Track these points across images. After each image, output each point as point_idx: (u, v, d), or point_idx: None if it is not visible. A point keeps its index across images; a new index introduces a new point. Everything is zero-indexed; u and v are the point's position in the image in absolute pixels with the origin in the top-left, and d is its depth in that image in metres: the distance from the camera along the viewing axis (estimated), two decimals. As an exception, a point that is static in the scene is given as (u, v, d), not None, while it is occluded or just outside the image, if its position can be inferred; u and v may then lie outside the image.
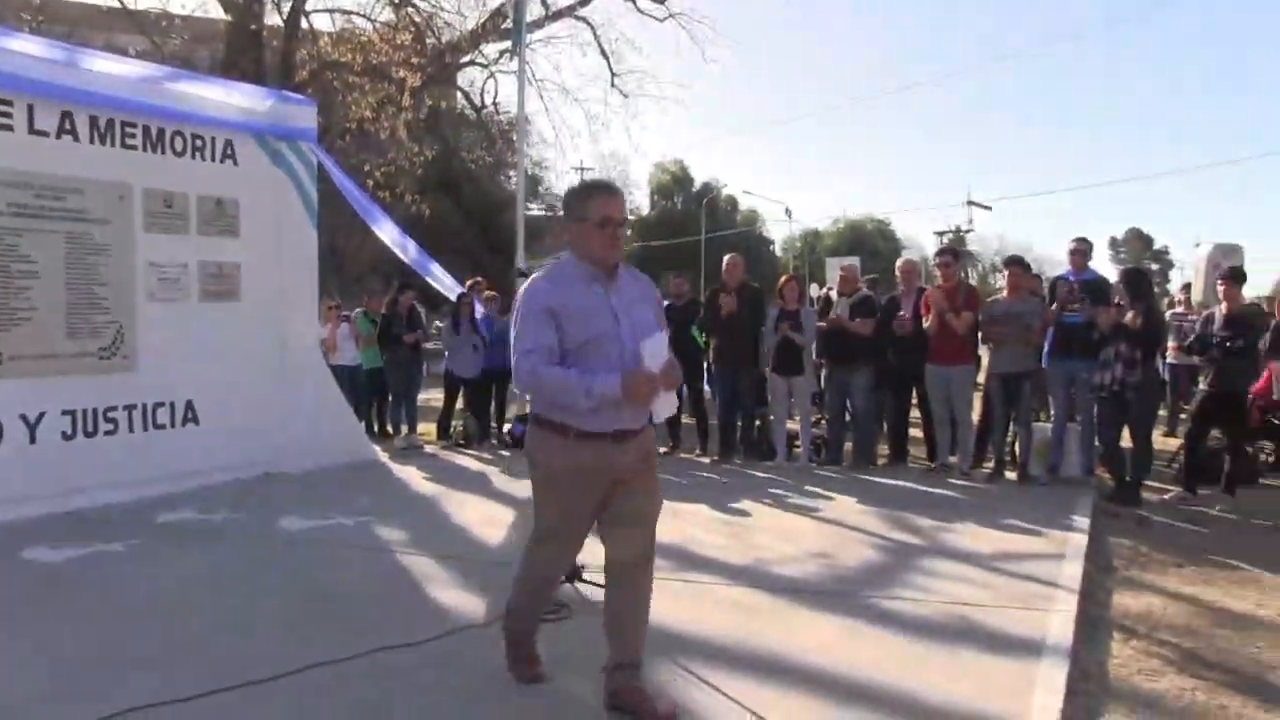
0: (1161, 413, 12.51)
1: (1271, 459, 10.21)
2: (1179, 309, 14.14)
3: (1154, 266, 70.28)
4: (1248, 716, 4.26)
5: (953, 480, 9.50)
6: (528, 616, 4.28)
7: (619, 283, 3.92)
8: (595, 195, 3.91)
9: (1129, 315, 8.67)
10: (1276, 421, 9.31)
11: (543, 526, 4.06)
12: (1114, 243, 76.29)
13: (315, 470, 9.82)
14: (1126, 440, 9.05)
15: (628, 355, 3.76)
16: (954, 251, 11.19)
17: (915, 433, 11.03)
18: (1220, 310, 8.99)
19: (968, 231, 58.87)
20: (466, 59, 23.67)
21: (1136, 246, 74.93)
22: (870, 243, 58.29)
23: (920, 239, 65.10)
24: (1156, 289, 43.13)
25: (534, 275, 3.97)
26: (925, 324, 9.73)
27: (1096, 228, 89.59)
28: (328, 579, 6.08)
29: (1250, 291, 13.06)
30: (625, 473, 3.91)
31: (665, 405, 3.93)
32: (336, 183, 11.26)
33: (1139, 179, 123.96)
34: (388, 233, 11.78)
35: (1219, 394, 8.76)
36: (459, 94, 27.66)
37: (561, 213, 4.11)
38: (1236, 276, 9.30)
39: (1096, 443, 9.29)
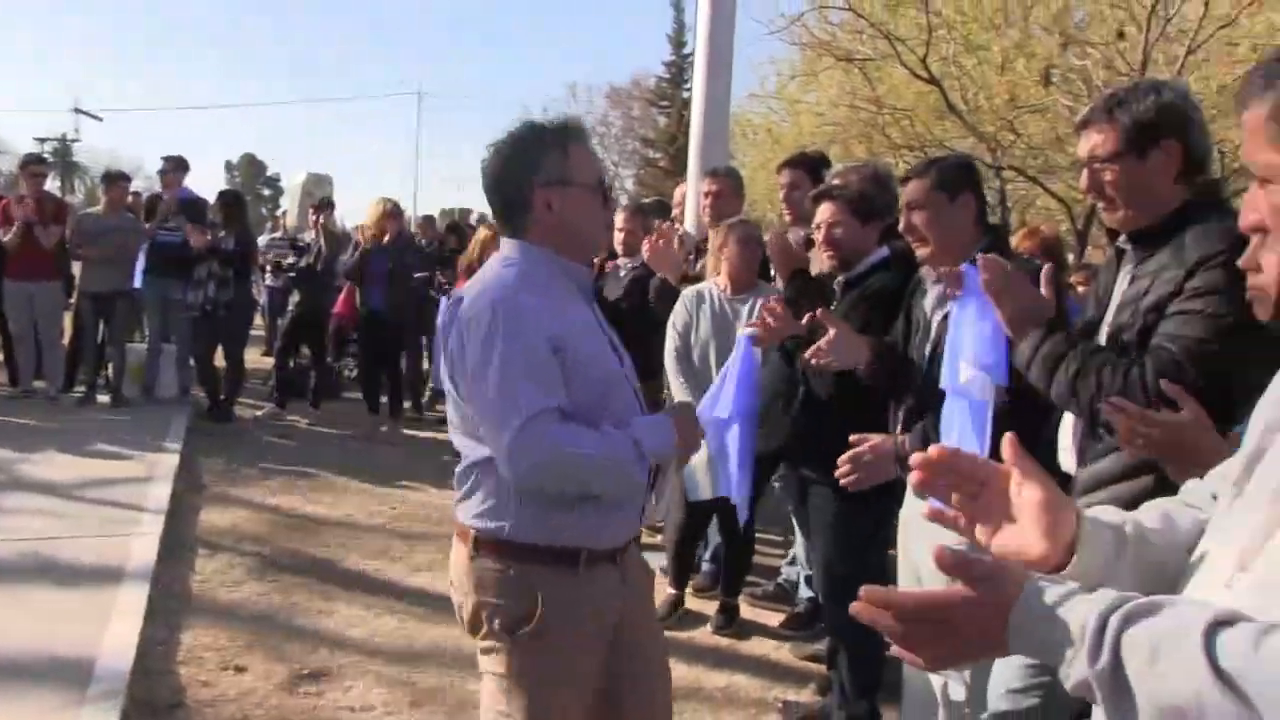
0: (261, 333, 13.01)
1: (354, 374, 11.16)
2: (276, 234, 14.72)
3: (266, 192, 72.25)
4: (314, 607, 4.70)
5: (39, 406, 8.78)
6: None
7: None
8: (576, 142, 2.36)
9: (220, 235, 8.78)
10: (354, 339, 10.14)
11: None
12: (229, 166, 76.84)
13: None
14: (221, 359, 9.21)
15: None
16: (40, 159, 10.27)
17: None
18: (310, 235, 9.55)
19: (74, 141, 55.01)
20: None
21: (250, 171, 76.27)
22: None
23: (20, 145, 58.92)
24: (265, 213, 44.40)
25: (495, 280, 2.28)
26: (5, 236, 8.80)
27: (216, 150, 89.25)
28: None
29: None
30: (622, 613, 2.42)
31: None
32: None
33: (259, 105, 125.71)
34: None
35: (306, 314, 9.32)
36: None
37: (505, 178, 2.31)
38: (326, 205, 9.96)
39: (192, 362, 9.29)
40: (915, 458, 1.35)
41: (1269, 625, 0.94)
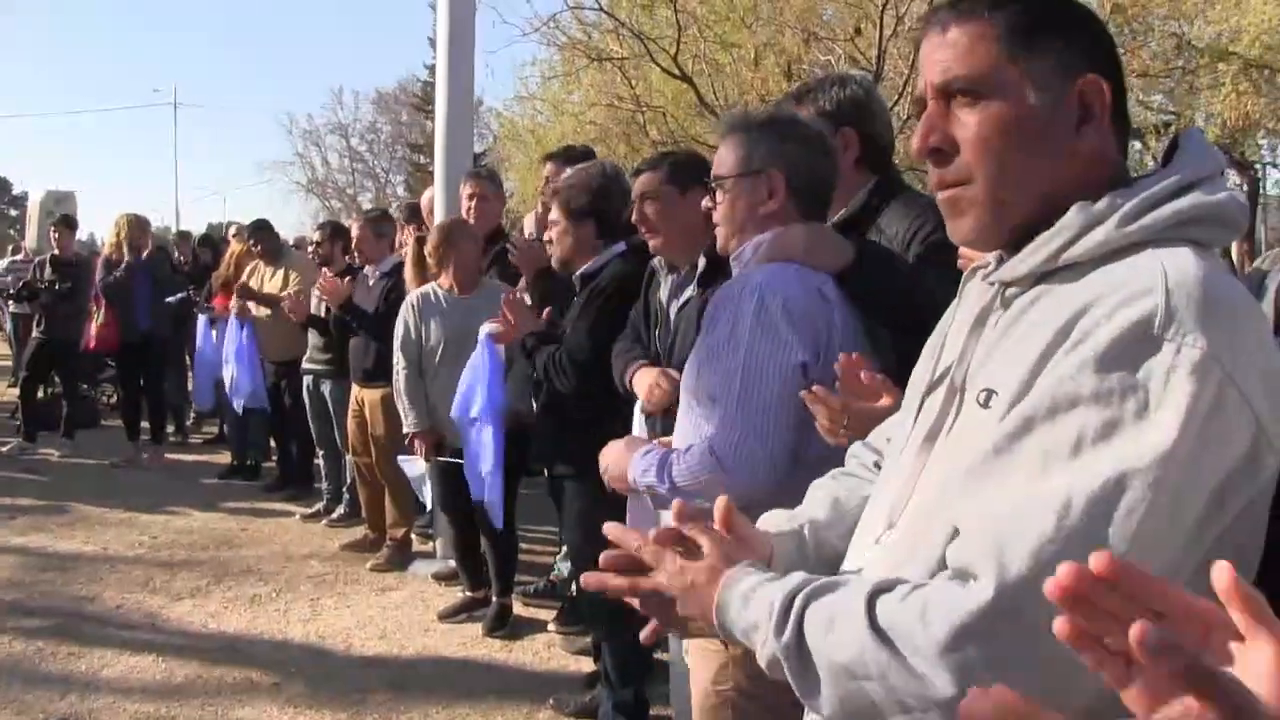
0: (7, 363, 12.22)
1: (112, 401, 10.59)
2: (18, 256, 13.82)
3: (13, 212, 67.43)
4: (63, 651, 4.45)
5: None
6: None
7: None
8: None
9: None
10: (112, 364, 9.61)
11: None
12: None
13: None
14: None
15: None
16: None
17: None
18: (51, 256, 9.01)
19: None
20: None
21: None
22: None
23: None
24: (14, 234, 41.42)
25: None
26: None
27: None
28: None
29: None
30: None
31: None
32: None
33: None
34: None
35: (52, 340, 8.79)
36: None
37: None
38: (69, 223, 9.43)
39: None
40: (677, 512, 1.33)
41: (916, 585, 1.05)
